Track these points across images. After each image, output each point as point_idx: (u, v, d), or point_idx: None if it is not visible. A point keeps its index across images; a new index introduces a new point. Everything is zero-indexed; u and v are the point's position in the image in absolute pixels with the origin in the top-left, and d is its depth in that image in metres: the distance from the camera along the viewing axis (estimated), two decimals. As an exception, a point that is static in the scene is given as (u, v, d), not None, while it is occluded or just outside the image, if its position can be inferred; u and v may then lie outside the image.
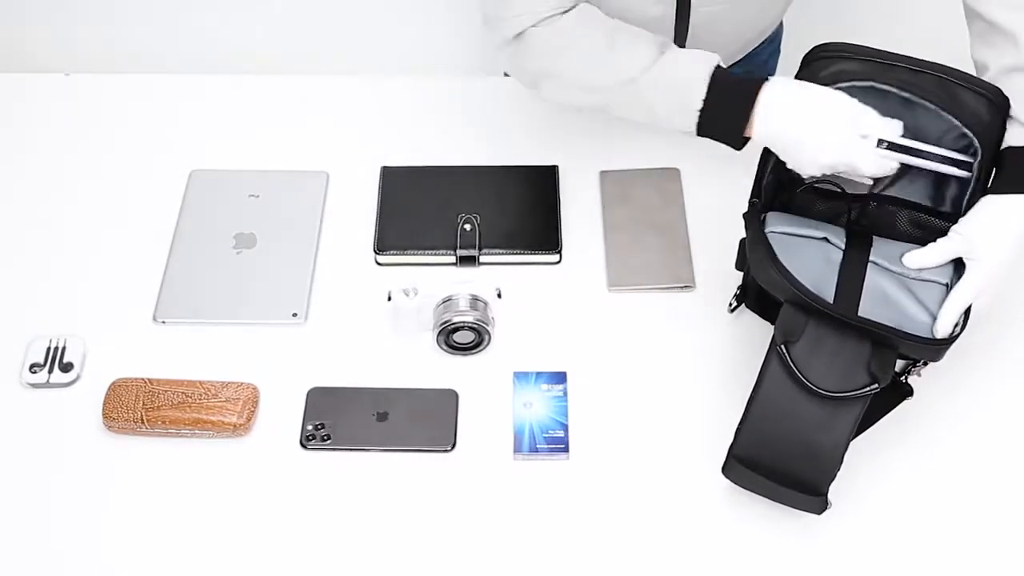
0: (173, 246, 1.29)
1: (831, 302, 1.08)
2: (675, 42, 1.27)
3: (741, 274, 1.21)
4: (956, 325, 1.07)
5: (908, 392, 1.15)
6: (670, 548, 1.09)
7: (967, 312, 1.08)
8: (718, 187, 1.30)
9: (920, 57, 1.10)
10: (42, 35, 2.05)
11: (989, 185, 1.10)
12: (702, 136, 1.13)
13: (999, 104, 1.09)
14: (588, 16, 1.17)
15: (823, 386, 1.05)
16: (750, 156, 1.15)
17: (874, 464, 1.13)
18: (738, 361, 1.18)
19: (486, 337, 1.20)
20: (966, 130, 1.08)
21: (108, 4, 2.02)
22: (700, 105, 1.10)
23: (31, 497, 1.11)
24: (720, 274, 1.25)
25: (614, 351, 1.22)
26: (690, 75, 1.11)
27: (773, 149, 1.11)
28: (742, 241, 1.18)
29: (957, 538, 1.10)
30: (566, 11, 1.16)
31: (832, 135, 1.08)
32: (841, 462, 1.05)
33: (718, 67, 1.11)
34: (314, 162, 1.38)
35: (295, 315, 1.24)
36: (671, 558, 1.08)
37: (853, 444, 1.07)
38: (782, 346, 1.06)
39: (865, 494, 1.12)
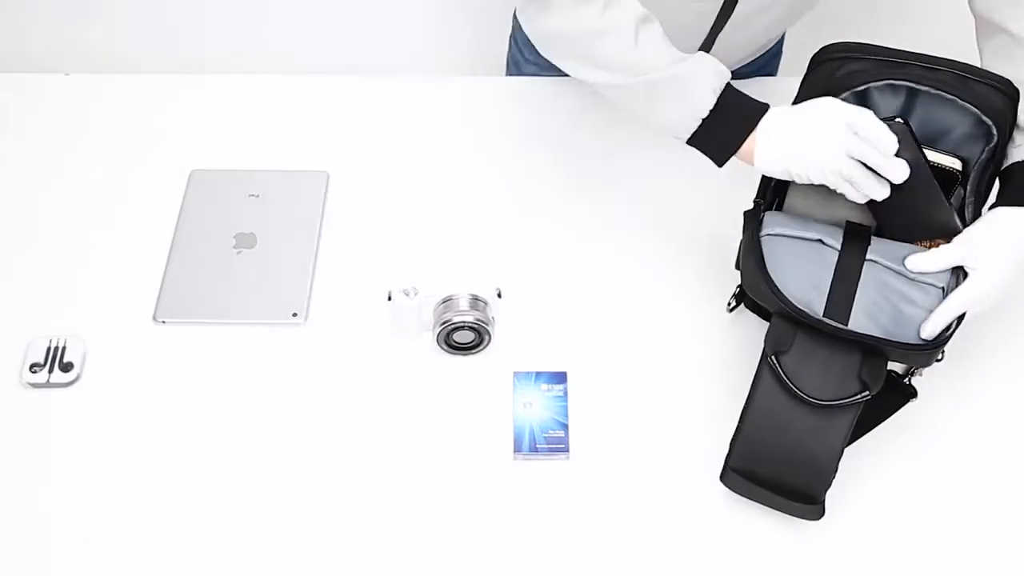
0: (173, 246, 1.29)
1: (823, 308, 1.07)
2: (710, 33, 1.27)
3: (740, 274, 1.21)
4: (948, 328, 1.07)
5: (912, 394, 1.15)
6: (669, 548, 1.09)
7: (960, 317, 1.07)
8: (720, 186, 1.30)
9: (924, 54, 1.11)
10: (42, 35, 2.05)
11: (996, 199, 1.11)
12: (691, 144, 1.13)
13: (1010, 94, 1.11)
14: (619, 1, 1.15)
15: (815, 395, 1.05)
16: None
17: (873, 466, 1.13)
18: (736, 360, 1.18)
19: (486, 337, 1.20)
20: (985, 117, 1.09)
21: (108, 4, 2.02)
22: (705, 115, 1.10)
23: (30, 497, 1.11)
24: (720, 274, 1.25)
25: (614, 351, 1.22)
26: (703, 85, 1.10)
27: (776, 176, 1.10)
28: (743, 242, 1.18)
29: (956, 539, 1.10)
30: None
31: (829, 162, 1.07)
32: (836, 470, 1.05)
33: (728, 84, 1.12)
34: (314, 162, 1.38)
35: (295, 315, 1.24)
36: (670, 558, 1.08)
37: (853, 445, 1.07)
38: (773, 357, 1.06)
39: (864, 496, 1.12)
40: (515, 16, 1.57)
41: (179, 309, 1.24)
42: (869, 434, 1.12)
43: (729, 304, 1.23)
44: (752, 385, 1.07)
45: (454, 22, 2.09)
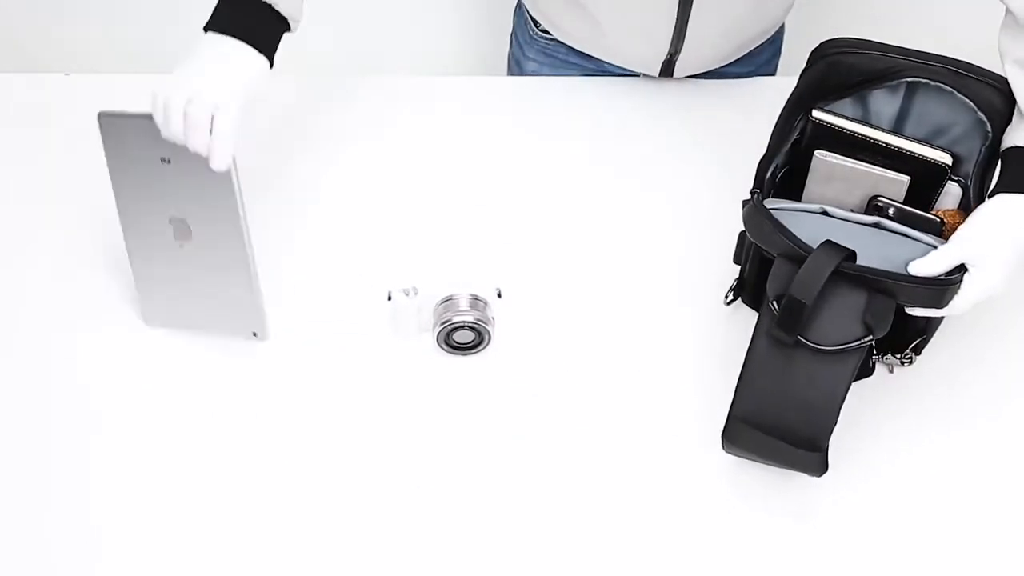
0: (127, 242, 1.18)
1: None
2: (678, 18, 1.30)
3: (739, 268, 1.22)
4: (951, 274, 1.05)
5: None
6: (670, 541, 1.09)
7: (960, 273, 1.06)
8: (719, 179, 1.30)
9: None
10: (42, 35, 2.05)
11: (992, 186, 1.11)
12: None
13: (1007, 92, 1.11)
14: None
15: (816, 340, 1.03)
16: (753, 151, 1.15)
17: (874, 448, 1.14)
18: (732, 353, 1.17)
19: (486, 337, 1.20)
20: (981, 114, 1.09)
21: (108, 4, 2.02)
22: None
23: (29, 497, 1.11)
24: (718, 269, 1.25)
25: (614, 346, 1.22)
26: None
27: None
28: (741, 234, 1.18)
29: (956, 531, 1.10)
30: None
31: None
32: (837, 416, 1.04)
33: None
34: (314, 162, 1.39)
35: (255, 334, 1.19)
36: (671, 552, 1.08)
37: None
38: (773, 302, 1.05)
39: (863, 477, 1.12)
40: (515, 15, 1.58)
41: (160, 315, 1.21)
42: (871, 419, 1.13)
43: (726, 296, 1.23)
44: (753, 332, 1.06)
45: (454, 22, 2.09)
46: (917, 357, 1.18)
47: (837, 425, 1.05)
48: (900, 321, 1.09)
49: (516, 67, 1.58)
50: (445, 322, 1.18)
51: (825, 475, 1.07)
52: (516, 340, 1.22)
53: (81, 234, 1.32)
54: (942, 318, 1.18)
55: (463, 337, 1.20)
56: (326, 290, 1.27)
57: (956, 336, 1.20)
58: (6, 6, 2.03)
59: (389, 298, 1.20)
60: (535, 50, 1.53)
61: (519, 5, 1.55)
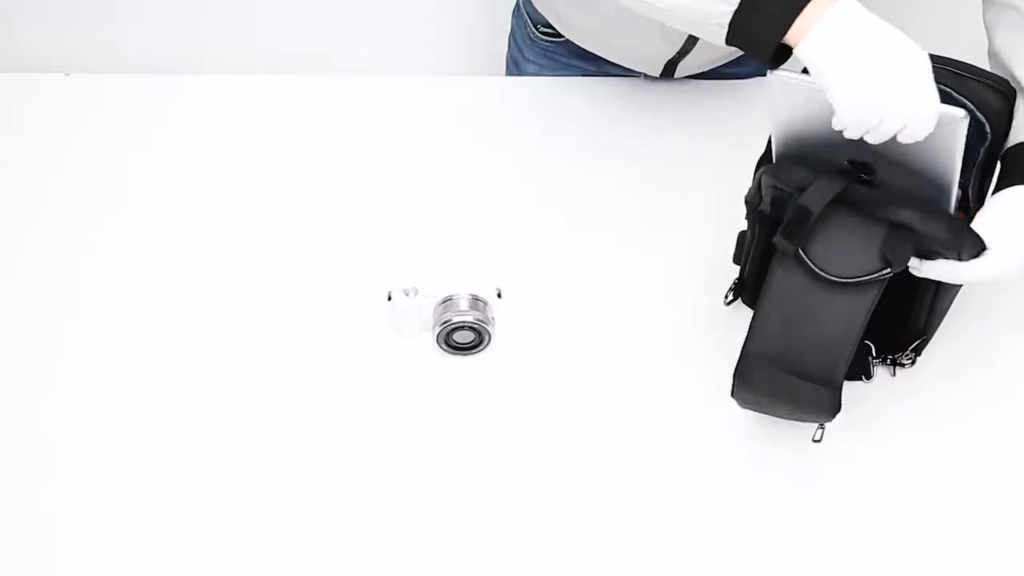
0: None
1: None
2: None
3: (739, 268, 1.21)
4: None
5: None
6: (674, 543, 1.09)
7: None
8: (719, 179, 1.30)
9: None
10: (42, 35, 2.05)
11: (1002, 178, 1.10)
12: (734, 36, 0.99)
13: (1006, 93, 1.11)
14: None
15: (833, 273, 1.03)
16: (753, 151, 1.15)
17: (874, 450, 1.14)
18: (732, 353, 1.17)
19: (486, 337, 1.20)
20: (980, 115, 1.09)
21: (108, 4, 2.02)
22: None
23: (30, 495, 1.11)
24: (718, 269, 1.25)
25: (615, 346, 1.22)
26: None
27: (816, 76, 0.98)
28: (741, 234, 1.18)
29: (957, 533, 1.10)
30: None
31: (880, 99, 0.97)
32: (854, 350, 1.03)
33: None
34: (314, 162, 1.39)
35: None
36: (675, 556, 1.08)
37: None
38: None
39: (864, 479, 1.12)
40: (513, 16, 1.58)
41: None
42: (874, 421, 1.13)
43: (726, 296, 1.23)
44: (769, 270, 1.05)
45: (454, 22, 2.09)
46: (918, 358, 1.18)
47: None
48: (900, 321, 1.09)
49: (515, 68, 1.58)
50: (445, 322, 1.18)
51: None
52: (516, 340, 1.22)
53: (81, 234, 1.32)
54: (941, 319, 1.18)
55: (463, 337, 1.20)
56: (326, 290, 1.27)
57: (957, 338, 1.20)
58: (6, 6, 2.03)
59: (389, 298, 1.20)
60: (535, 52, 1.53)
61: (518, 7, 1.55)
